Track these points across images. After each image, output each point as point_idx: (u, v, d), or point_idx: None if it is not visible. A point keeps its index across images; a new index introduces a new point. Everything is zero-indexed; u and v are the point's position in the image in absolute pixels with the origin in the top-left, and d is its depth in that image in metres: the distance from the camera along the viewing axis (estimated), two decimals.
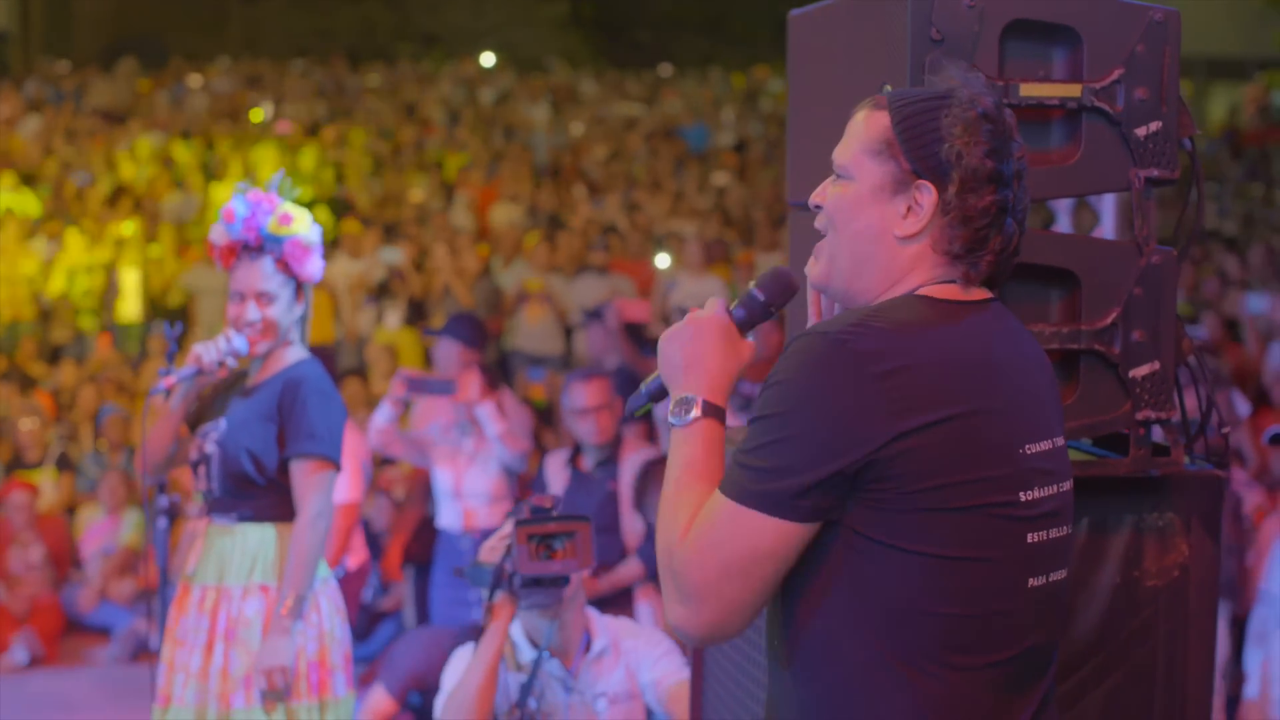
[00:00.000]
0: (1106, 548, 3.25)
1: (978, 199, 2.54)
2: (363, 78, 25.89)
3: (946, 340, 2.50)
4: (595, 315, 10.14)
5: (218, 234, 5.13)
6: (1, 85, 21.93)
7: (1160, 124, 3.21)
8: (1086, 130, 3.19)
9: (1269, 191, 20.14)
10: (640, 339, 10.54)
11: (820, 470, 2.41)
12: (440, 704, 4.46)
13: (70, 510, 10.39)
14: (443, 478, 7.73)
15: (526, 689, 4.37)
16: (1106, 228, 6.86)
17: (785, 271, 2.73)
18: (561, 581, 4.27)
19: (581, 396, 7.27)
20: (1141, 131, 3.20)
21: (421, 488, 9.01)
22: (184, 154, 18.59)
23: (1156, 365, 3.20)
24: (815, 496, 2.43)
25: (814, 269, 2.70)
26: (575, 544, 4.23)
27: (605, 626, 4.60)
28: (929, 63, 3.10)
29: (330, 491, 5.03)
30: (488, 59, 29.19)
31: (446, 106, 23.43)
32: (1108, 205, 7.86)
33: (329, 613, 5.05)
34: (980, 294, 2.60)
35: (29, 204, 16.13)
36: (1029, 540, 2.52)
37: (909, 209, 2.58)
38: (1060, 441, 2.63)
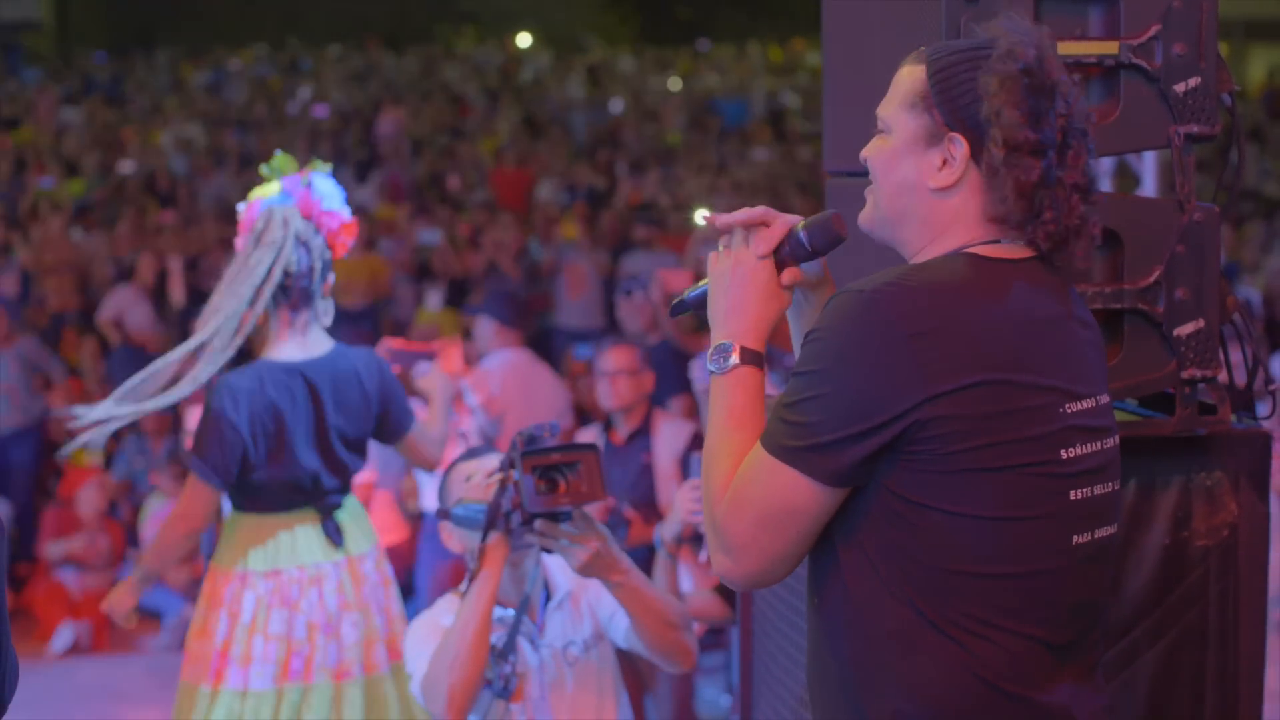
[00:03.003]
0: (1155, 508, 3.23)
1: (1016, 155, 2.49)
2: (400, 60, 25.93)
3: (983, 300, 2.48)
4: (638, 285, 10.07)
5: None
6: (38, 75, 22.02)
7: (1199, 79, 3.18)
8: (1125, 88, 3.16)
9: None
10: None
11: (853, 428, 2.42)
12: (421, 662, 3.99)
13: (112, 501, 10.44)
14: None
15: (504, 650, 3.96)
16: (1148, 190, 6.80)
17: (833, 219, 2.72)
18: (566, 517, 3.83)
19: (609, 360, 7.23)
20: (1180, 88, 3.17)
21: None
22: (223, 140, 18.65)
23: (1201, 323, 3.17)
24: (849, 457, 2.43)
25: (863, 215, 2.71)
26: (580, 475, 3.83)
27: (561, 572, 4.23)
28: (963, 23, 3.07)
29: (205, 510, 5.09)
30: (524, 39, 29.18)
31: (484, 87, 23.43)
32: (1149, 167, 7.80)
33: (250, 604, 5.10)
34: (1024, 252, 2.56)
35: (72, 192, 16.20)
36: (1072, 497, 2.50)
37: (944, 161, 2.56)
38: (1104, 399, 2.61)
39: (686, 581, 5.33)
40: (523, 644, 4.02)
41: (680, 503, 4.50)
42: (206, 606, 5.12)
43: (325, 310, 5.14)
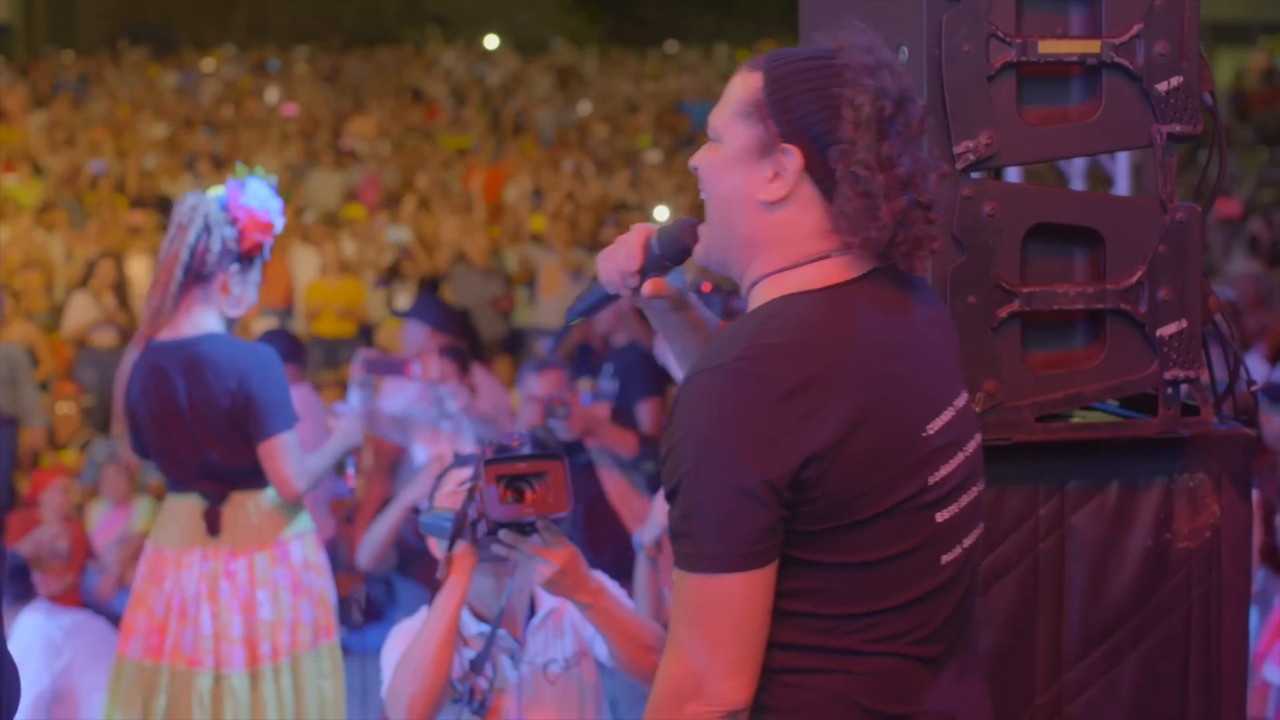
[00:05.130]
0: (1137, 510, 3.20)
1: (851, 168, 2.39)
2: (368, 62, 25.85)
3: (836, 339, 2.40)
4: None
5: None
6: (7, 77, 21.89)
7: (1181, 79, 3.15)
8: (1106, 87, 3.13)
9: (1273, 154, 20.01)
10: None
11: (760, 512, 2.33)
12: (390, 673, 3.90)
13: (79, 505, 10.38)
14: (422, 456, 7.61)
15: (478, 664, 3.86)
16: (1121, 190, 6.79)
17: (680, 228, 2.69)
18: (530, 529, 3.68)
19: (537, 383, 7.14)
20: (1163, 87, 3.14)
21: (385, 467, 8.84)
22: (194, 143, 18.55)
23: (1184, 324, 3.15)
24: (760, 537, 2.35)
25: (696, 248, 2.64)
26: (547, 485, 3.66)
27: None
28: (945, 22, 3.05)
29: None
30: (492, 41, 29.11)
31: (452, 89, 23.38)
32: (1121, 169, 7.79)
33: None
34: (859, 268, 2.47)
35: (34, 195, 16.10)
36: (939, 520, 2.47)
37: (775, 174, 2.46)
38: (962, 402, 2.56)
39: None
40: (502, 660, 3.93)
41: (659, 506, 4.44)
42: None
43: (232, 303, 5.18)
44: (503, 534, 3.67)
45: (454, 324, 8.77)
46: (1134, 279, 3.13)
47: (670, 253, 2.70)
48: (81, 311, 12.37)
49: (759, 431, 2.32)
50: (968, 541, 2.53)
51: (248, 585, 5.15)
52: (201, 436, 5.12)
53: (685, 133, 21.01)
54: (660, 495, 4.47)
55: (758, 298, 2.52)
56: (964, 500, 2.51)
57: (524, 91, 23.42)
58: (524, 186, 16.92)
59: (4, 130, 18.77)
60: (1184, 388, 3.17)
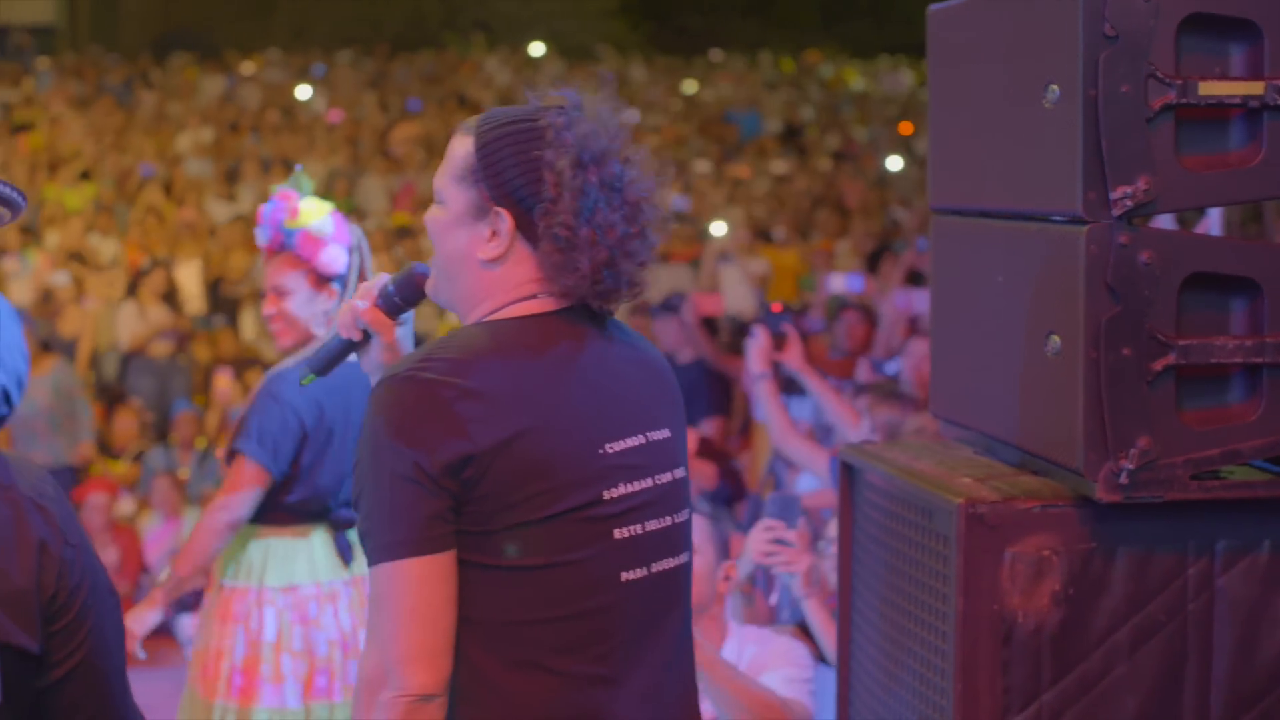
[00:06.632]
0: None
1: (552, 228, 2.61)
2: (412, 67, 25.76)
3: (513, 357, 2.61)
4: (669, 308, 9.96)
5: (257, 235, 5.19)
6: (52, 80, 21.86)
7: None
8: (1269, 130, 3.00)
9: None
10: (715, 332, 10.39)
11: (426, 500, 2.51)
12: None
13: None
14: None
15: None
16: (1213, 227, 6.64)
17: (415, 273, 2.85)
18: None
19: None
20: None
21: None
22: (239, 147, 18.48)
23: None
24: (426, 523, 2.52)
25: (429, 282, 2.83)
26: None
27: (739, 636, 4.22)
28: (1103, 61, 2.92)
29: (251, 499, 4.97)
30: (537, 48, 29.01)
31: (498, 95, 23.27)
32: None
33: (272, 621, 5.00)
34: (558, 305, 2.69)
35: (81, 198, 16.07)
36: (617, 536, 2.62)
37: (492, 234, 2.68)
38: (660, 435, 2.74)
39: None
40: None
41: (752, 543, 4.37)
42: (219, 623, 5.04)
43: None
44: None
45: None
46: None
47: (404, 294, 2.85)
48: (134, 321, 12.28)
49: (421, 426, 2.51)
50: (659, 567, 2.69)
51: None
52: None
53: (734, 141, 20.86)
54: (753, 531, 4.43)
55: None
56: (653, 525, 2.68)
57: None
58: None
59: (51, 132, 18.73)
60: None
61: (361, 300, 2.87)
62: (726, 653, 4.16)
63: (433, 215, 2.76)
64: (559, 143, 2.63)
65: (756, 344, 6.67)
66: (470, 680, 2.57)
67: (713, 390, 9.50)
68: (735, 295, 12.21)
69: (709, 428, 9.14)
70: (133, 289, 12.93)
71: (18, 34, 25.99)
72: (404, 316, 2.90)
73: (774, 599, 5.13)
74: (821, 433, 7.96)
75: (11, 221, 2.47)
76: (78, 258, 13.97)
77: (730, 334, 11.20)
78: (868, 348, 9.32)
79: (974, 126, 3.42)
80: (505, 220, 2.65)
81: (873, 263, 13.30)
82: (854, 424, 6.46)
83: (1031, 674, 3.03)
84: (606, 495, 2.61)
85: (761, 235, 14.70)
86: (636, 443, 2.67)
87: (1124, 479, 2.92)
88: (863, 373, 8.50)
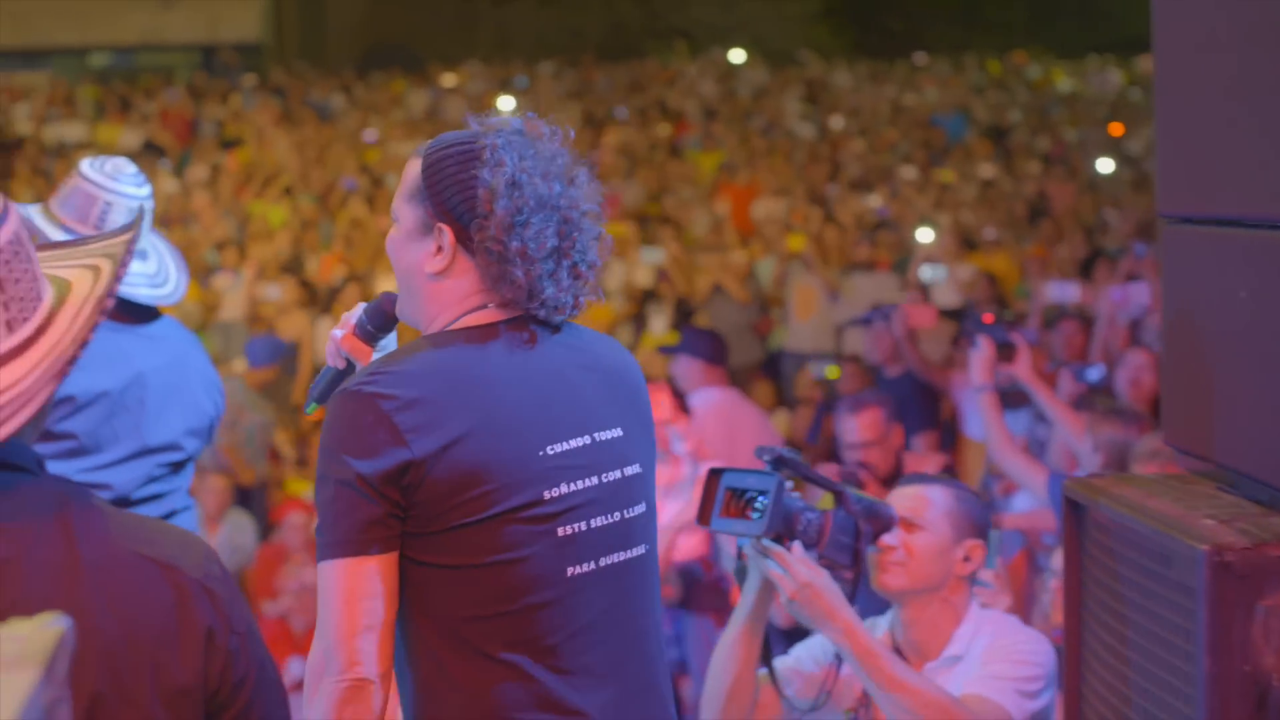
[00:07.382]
0: None
1: (486, 242, 2.81)
2: (614, 76, 25.71)
3: (454, 366, 2.79)
4: (881, 316, 9.62)
5: None
6: (260, 95, 22.15)
7: None
8: None
9: None
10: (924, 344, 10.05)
11: (365, 505, 2.68)
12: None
13: None
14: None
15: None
16: None
17: (384, 300, 3.10)
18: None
19: (855, 430, 6.50)
20: None
21: None
22: None
23: None
24: (365, 527, 2.68)
25: (399, 300, 3.04)
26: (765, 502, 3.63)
27: (976, 622, 3.84)
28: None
29: None
30: (737, 55, 28.80)
31: (701, 103, 23.09)
32: None
33: None
34: (504, 315, 2.88)
35: (284, 214, 16.20)
36: (560, 534, 2.78)
37: (437, 249, 2.88)
38: (608, 434, 2.88)
39: None
40: None
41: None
42: None
43: None
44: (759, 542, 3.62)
45: (723, 356, 8.46)
46: None
47: (375, 321, 3.11)
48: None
49: (363, 437, 2.70)
50: (609, 560, 2.85)
51: None
52: None
53: (940, 146, 20.44)
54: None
55: None
56: (596, 523, 2.83)
57: (773, 105, 23.03)
58: (777, 204, 16.52)
59: (259, 150, 18.94)
60: None
61: (339, 330, 3.13)
62: (959, 637, 3.82)
63: (390, 235, 2.98)
64: (494, 162, 2.82)
65: (980, 355, 6.34)
66: (431, 674, 2.77)
67: (923, 405, 9.17)
68: (942, 305, 11.84)
69: (921, 444, 8.82)
70: (327, 308, 12.93)
71: (226, 52, 26.43)
72: (383, 342, 3.14)
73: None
74: (1036, 448, 7.61)
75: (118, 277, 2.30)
76: (290, 270, 14.05)
77: (936, 344, 10.86)
78: (1085, 358, 8.91)
79: (1209, 124, 3.11)
80: (447, 235, 2.86)
81: (1086, 269, 12.83)
82: (1085, 443, 6.08)
83: None
84: (547, 495, 2.77)
85: (967, 242, 14.28)
86: (581, 443, 2.84)
87: None
88: (1065, 382, 8.08)
